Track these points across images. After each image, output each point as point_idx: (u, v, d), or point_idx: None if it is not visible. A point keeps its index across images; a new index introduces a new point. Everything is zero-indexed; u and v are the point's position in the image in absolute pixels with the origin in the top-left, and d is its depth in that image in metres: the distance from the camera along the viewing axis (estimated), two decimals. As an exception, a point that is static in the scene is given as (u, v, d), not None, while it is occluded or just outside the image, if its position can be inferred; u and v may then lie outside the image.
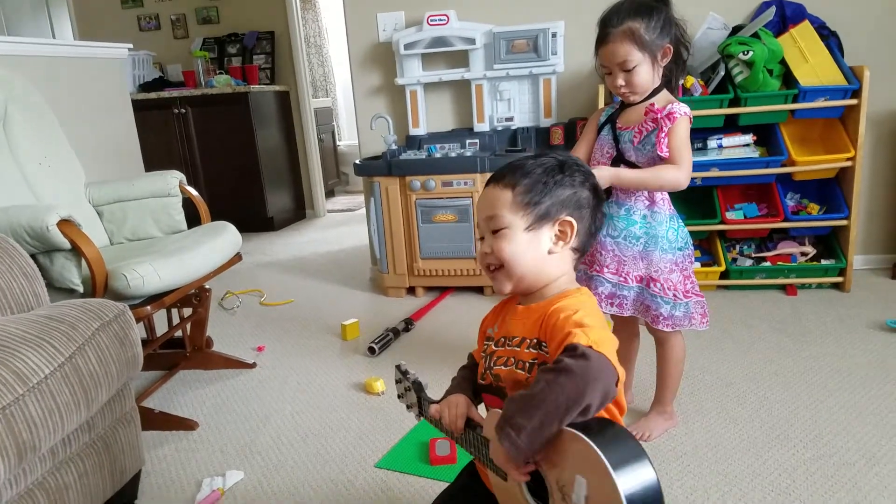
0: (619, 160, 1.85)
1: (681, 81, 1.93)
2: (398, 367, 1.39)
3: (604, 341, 0.95)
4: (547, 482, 0.99)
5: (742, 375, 2.30)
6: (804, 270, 3.08)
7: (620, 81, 1.78)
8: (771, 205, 3.13)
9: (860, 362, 2.33)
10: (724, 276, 3.15)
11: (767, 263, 3.11)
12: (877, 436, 1.88)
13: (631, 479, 0.88)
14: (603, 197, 1.17)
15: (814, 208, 3.11)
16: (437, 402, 1.24)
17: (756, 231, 3.17)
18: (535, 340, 1.09)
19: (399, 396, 1.38)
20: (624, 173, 1.76)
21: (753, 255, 3.17)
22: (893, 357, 2.35)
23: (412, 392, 1.32)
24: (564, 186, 1.11)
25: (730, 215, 3.11)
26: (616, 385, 0.94)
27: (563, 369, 0.90)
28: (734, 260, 3.17)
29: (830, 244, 3.13)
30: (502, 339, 1.16)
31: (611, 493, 0.87)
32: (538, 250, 1.10)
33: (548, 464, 0.98)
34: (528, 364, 1.09)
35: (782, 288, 3.12)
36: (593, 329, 0.97)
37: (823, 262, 3.07)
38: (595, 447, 0.89)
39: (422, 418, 1.33)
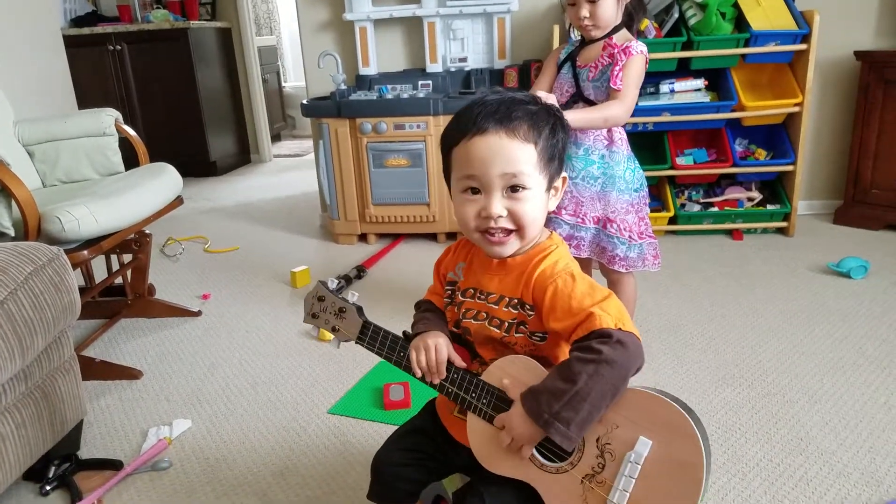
0: (578, 97, 1.85)
1: (647, 23, 1.92)
2: (322, 283, 1.21)
3: (621, 312, 0.95)
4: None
5: (690, 318, 2.34)
6: (750, 216, 3.14)
7: (585, 13, 1.75)
8: (720, 150, 3.16)
9: (803, 304, 2.40)
10: (672, 221, 3.19)
11: (715, 209, 3.16)
12: (818, 374, 1.94)
13: (707, 450, 0.91)
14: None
15: (761, 154, 3.16)
16: (409, 335, 1.14)
17: (705, 176, 3.20)
18: (516, 300, 1.05)
19: (313, 315, 1.20)
20: (570, 116, 1.68)
21: (702, 201, 3.21)
22: (833, 299, 2.43)
23: (349, 315, 1.17)
24: (564, 141, 1.04)
25: (680, 161, 3.13)
26: None
27: (605, 361, 0.89)
28: (683, 205, 3.21)
29: (776, 190, 3.19)
30: (472, 291, 1.11)
31: (689, 459, 0.90)
32: (545, 210, 1.04)
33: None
34: (506, 323, 1.05)
35: (729, 233, 3.19)
36: (608, 302, 0.96)
37: (769, 207, 3.13)
38: (686, 415, 0.91)
39: (358, 344, 1.17)
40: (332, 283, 1.20)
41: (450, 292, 1.16)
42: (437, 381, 1.09)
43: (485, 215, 0.99)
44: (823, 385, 1.89)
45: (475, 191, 1.00)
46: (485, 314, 1.08)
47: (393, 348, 1.14)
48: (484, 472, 1.05)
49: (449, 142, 1.03)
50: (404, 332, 1.15)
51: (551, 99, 1.57)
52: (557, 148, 1.02)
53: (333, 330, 1.19)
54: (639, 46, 1.76)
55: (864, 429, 1.68)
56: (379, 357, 1.16)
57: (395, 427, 1.26)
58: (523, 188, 0.98)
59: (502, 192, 0.98)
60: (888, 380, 1.89)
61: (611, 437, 0.95)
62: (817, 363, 2.01)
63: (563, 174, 1.06)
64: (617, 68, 1.74)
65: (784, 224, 3.13)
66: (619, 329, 0.92)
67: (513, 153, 0.97)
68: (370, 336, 1.15)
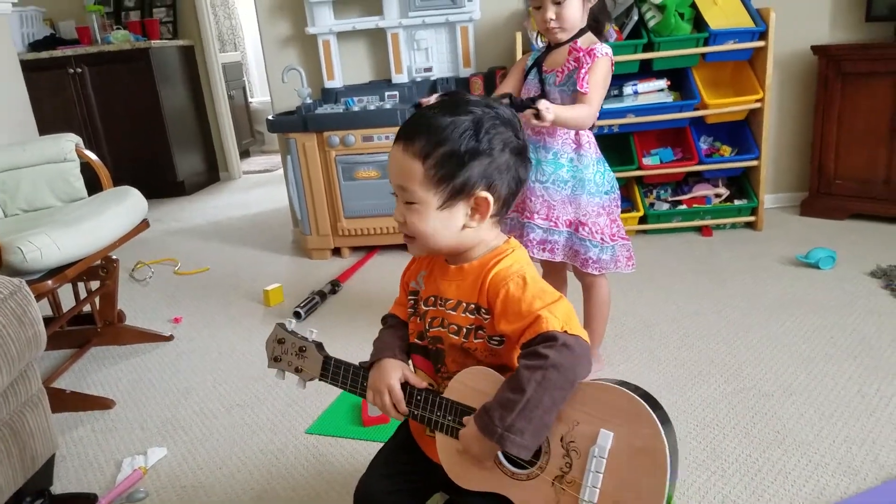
0: (543, 103, 1.84)
1: (608, 27, 1.93)
2: (281, 325, 1.22)
3: (569, 315, 0.96)
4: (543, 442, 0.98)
5: (663, 317, 2.36)
6: (719, 212, 3.18)
7: (550, 14, 1.76)
8: (685, 149, 3.20)
9: (773, 297, 2.43)
10: (642, 220, 3.22)
11: (684, 206, 3.19)
12: (792, 366, 1.96)
13: (669, 433, 0.91)
14: (527, 147, 1.07)
15: (726, 150, 3.20)
16: (367, 364, 1.16)
17: (672, 175, 3.23)
18: (472, 305, 1.05)
19: (275, 359, 1.21)
20: (557, 110, 1.66)
21: (670, 199, 3.24)
22: (803, 290, 2.46)
23: (310, 353, 1.17)
24: (481, 156, 0.98)
25: (646, 161, 3.16)
26: None
27: (551, 366, 0.91)
28: (652, 205, 3.24)
29: (742, 185, 3.23)
30: (432, 299, 1.11)
31: (650, 444, 0.90)
32: (452, 227, 1.02)
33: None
34: (464, 329, 1.06)
35: (698, 230, 3.22)
36: (556, 305, 0.97)
37: (736, 202, 3.17)
38: (641, 400, 0.92)
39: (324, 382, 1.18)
40: (290, 325, 1.21)
41: (412, 302, 1.16)
42: (399, 417, 1.11)
43: (395, 215, 1.06)
44: (798, 377, 1.91)
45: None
46: (443, 320, 1.08)
47: (356, 381, 1.16)
48: (462, 489, 1.05)
49: None
50: (361, 363, 1.16)
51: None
52: (462, 166, 0.98)
53: (297, 371, 1.19)
54: (604, 49, 1.77)
55: (839, 419, 1.70)
56: (344, 391, 1.17)
57: (375, 444, 1.25)
58: (411, 202, 1.01)
59: (403, 201, 1.02)
60: (860, 369, 1.92)
61: (573, 434, 0.96)
62: (791, 355, 2.03)
63: (483, 194, 1.00)
64: (583, 72, 1.75)
65: (752, 218, 3.17)
66: (565, 332, 0.93)
67: (402, 167, 1.00)
68: (332, 371, 1.17)
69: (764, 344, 2.11)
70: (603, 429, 0.93)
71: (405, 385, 1.10)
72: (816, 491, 1.46)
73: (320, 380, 1.17)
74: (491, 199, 1.01)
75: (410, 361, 1.17)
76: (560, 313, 0.95)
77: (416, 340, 1.15)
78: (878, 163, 3.03)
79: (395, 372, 1.10)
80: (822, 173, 3.21)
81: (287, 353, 1.20)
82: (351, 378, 1.15)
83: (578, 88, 1.75)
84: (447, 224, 1.02)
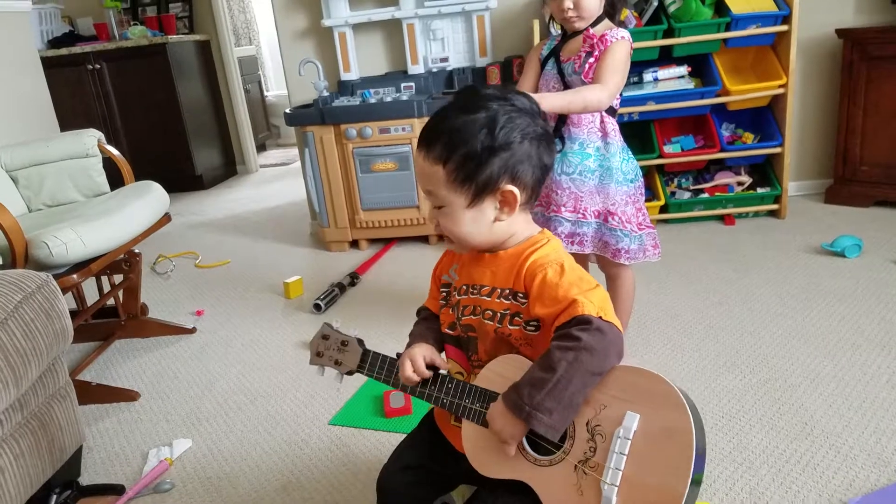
0: (565, 92, 1.82)
1: (627, 12, 1.91)
2: (328, 324, 1.25)
3: (605, 302, 0.97)
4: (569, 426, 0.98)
5: (687, 307, 2.33)
6: (741, 200, 3.13)
7: (568, 4, 1.74)
8: (707, 136, 3.15)
9: (799, 286, 2.40)
10: (663, 209, 3.19)
11: (705, 195, 3.15)
12: (818, 357, 1.94)
13: (694, 414, 0.91)
14: (548, 131, 1.06)
15: (749, 137, 3.15)
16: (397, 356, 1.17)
17: (693, 163, 3.19)
18: (508, 290, 1.05)
19: (318, 354, 1.24)
20: (548, 98, 1.65)
21: (691, 188, 3.20)
22: (829, 279, 2.43)
23: (351, 347, 1.21)
24: (500, 151, 0.99)
25: (667, 149, 3.12)
26: None
27: (584, 348, 0.91)
28: (673, 193, 3.20)
29: (765, 172, 3.18)
30: (465, 287, 1.11)
31: (677, 425, 0.90)
32: (484, 223, 1.04)
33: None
34: (499, 314, 1.06)
35: (721, 218, 3.18)
36: (593, 292, 0.98)
37: (759, 190, 3.12)
38: (671, 383, 0.92)
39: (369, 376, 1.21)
40: (336, 324, 1.26)
41: (444, 294, 1.17)
42: (411, 382, 1.12)
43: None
44: (825, 367, 1.88)
45: None
46: (478, 307, 1.08)
47: (391, 372, 1.18)
48: (488, 480, 1.04)
49: None
50: (398, 354, 1.18)
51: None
52: (482, 164, 0.99)
53: (336, 363, 1.23)
54: (618, 33, 1.75)
55: (868, 409, 1.68)
56: (379, 381, 1.20)
57: (397, 435, 1.26)
58: (440, 205, 1.04)
59: (433, 205, 1.06)
60: (888, 358, 1.89)
61: (599, 418, 0.95)
62: (817, 345, 2.00)
63: (508, 187, 1.00)
64: (592, 59, 1.74)
65: (775, 206, 3.12)
66: (600, 318, 0.94)
67: (426, 172, 1.03)
68: (369, 363, 1.20)
69: (790, 334, 2.08)
70: (629, 410, 0.93)
71: (436, 372, 1.11)
72: (846, 483, 1.44)
73: (357, 371, 1.21)
74: (517, 190, 1.01)
75: (444, 353, 1.18)
76: (596, 299, 0.96)
77: (447, 331, 1.16)
78: (905, 149, 2.97)
79: (421, 349, 1.13)
80: (847, 160, 3.15)
81: (329, 348, 1.23)
82: (387, 369, 1.18)
83: (583, 79, 1.74)
84: (478, 221, 1.03)
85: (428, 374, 1.11)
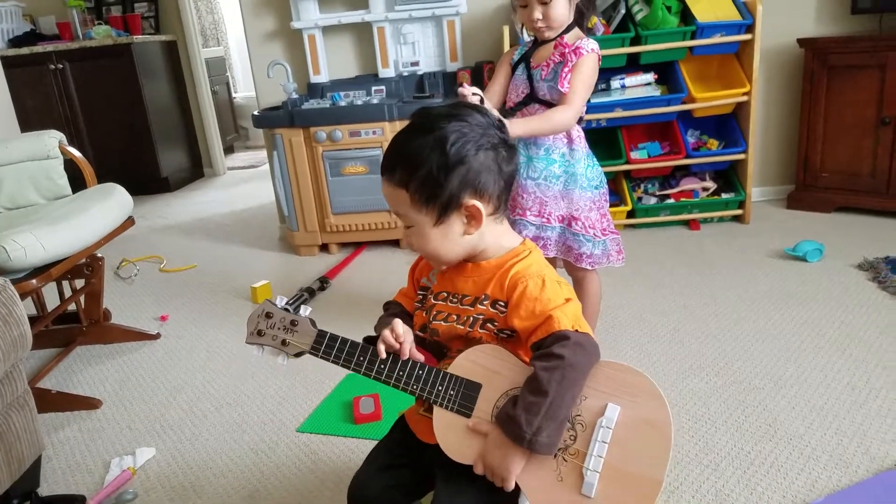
0: (531, 98, 1.84)
1: (595, 20, 1.93)
2: (269, 301, 1.15)
3: (577, 313, 1.01)
4: None
5: (653, 310, 2.36)
6: (706, 205, 3.19)
7: (537, 14, 1.75)
8: (673, 142, 3.20)
9: (762, 290, 2.44)
10: (630, 214, 3.22)
11: (671, 200, 3.20)
12: (782, 359, 1.97)
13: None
14: (504, 139, 1.05)
15: (713, 144, 3.21)
16: (370, 338, 1.11)
17: (660, 169, 3.24)
18: (489, 300, 1.06)
19: (258, 333, 1.13)
20: (515, 126, 1.65)
21: (658, 193, 3.25)
22: (792, 283, 2.48)
23: (302, 328, 1.11)
24: (456, 167, 0.99)
25: (634, 155, 3.16)
26: None
27: (569, 365, 0.94)
28: (639, 199, 3.24)
29: (730, 178, 3.24)
30: (445, 294, 1.11)
31: (657, 417, 0.96)
32: (454, 238, 1.05)
33: None
34: (471, 319, 1.07)
35: (686, 223, 3.23)
36: (567, 306, 1.01)
37: (724, 195, 3.18)
38: (646, 375, 0.97)
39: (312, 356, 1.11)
40: (281, 301, 1.16)
41: (421, 297, 1.17)
42: (397, 347, 1.07)
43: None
44: (787, 370, 1.92)
45: None
46: (455, 316, 1.08)
47: (351, 354, 1.09)
48: (445, 472, 1.05)
49: None
50: (365, 338, 1.12)
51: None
52: (441, 184, 0.99)
53: (283, 343, 1.12)
54: (590, 45, 1.76)
55: (830, 412, 1.71)
56: (337, 366, 1.10)
57: (367, 441, 1.24)
58: (409, 225, 1.06)
59: (404, 225, 1.08)
60: (849, 361, 1.93)
61: (580, 408, 0.99)
62: (780, 348, 2.04)
63: (471, 202, 1.01)
64: (566, 69, 1.75)
65: (739, 212, 3.18)
66: (576, 331, 0.97)
67: (392, 196, 1.06)
68: (326, 345, 1.10)
69: (753, 337, 2.12)
70: (610, 402, 0.97)
71: (406, 361, 1.07)
72: (809, 483, 1.47)
73: (310, 353, 1.11)
74: (480, 204, 1.02)
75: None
76: (570, 313, 0.99)
77: (419, 332, 1.15)
78: (864, 156, 3.05)
79: (400, 321, 1.10)
80: (808, 166, 3.23)
81: (273, 327, 1.13)
82: (347, 351, 1.09)
83: (559, 87, 1.75)
84: (448, 237, 1.05)
85: (408, 339, 1.08)
